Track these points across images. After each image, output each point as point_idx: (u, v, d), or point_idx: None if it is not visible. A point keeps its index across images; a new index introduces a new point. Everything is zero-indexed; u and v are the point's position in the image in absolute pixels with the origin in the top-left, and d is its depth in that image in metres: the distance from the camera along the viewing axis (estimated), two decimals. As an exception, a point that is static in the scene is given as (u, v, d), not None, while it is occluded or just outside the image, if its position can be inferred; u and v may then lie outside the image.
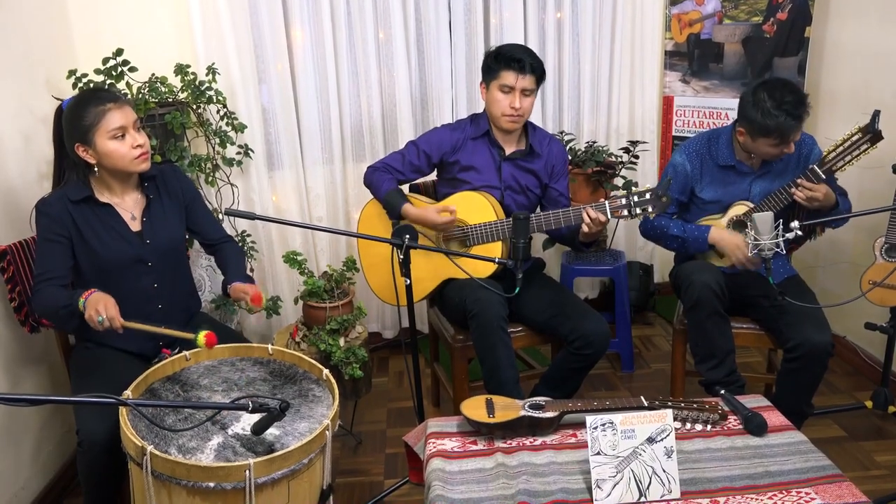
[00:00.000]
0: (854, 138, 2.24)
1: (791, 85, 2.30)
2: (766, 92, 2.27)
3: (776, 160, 2.44)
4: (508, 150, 2.57)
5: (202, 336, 1.84)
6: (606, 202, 2.28)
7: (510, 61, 2.43)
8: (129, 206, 2.12)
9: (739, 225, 2.47)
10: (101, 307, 1.83)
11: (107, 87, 2.56)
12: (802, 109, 2.26)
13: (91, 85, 2.57)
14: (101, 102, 1.96)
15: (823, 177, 2.28)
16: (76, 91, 2.56)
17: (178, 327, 2.20)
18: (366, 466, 2.66)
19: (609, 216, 2.28)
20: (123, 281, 2.08)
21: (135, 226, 2.11)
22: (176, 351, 2.03)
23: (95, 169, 2.02)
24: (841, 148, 2.26)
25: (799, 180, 2.30)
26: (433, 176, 2.74)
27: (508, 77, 2.43)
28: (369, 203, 2.67)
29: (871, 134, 2.22)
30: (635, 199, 2.24)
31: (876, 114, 2.22)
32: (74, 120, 1.96)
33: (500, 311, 2.33)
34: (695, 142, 2.57)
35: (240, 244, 2.97)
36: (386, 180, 2.55)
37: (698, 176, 2.53)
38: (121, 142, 1.98)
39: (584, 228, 2.32)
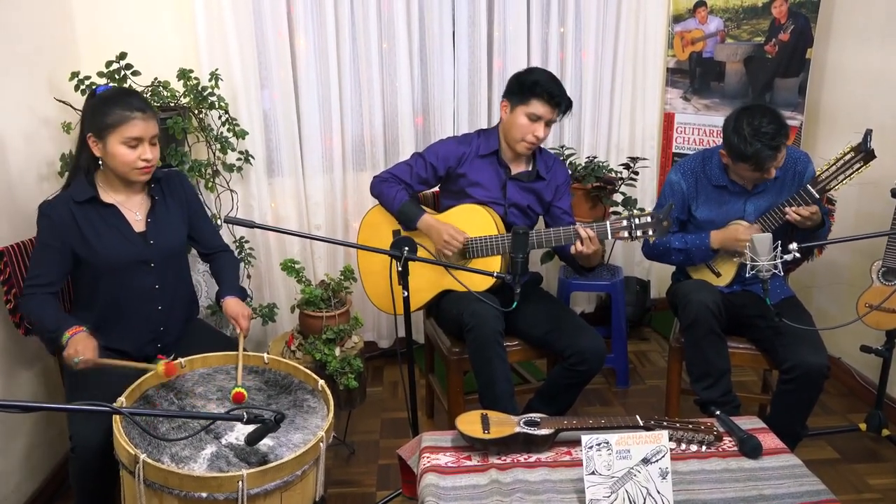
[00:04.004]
0: (847, 157, 2.26)
1: (772, 114, 2.30)
2: (746, 119, 2.29)
3: (769, 180, 2.45)
4: (514, 171, 2.58)
5: (161, 364, 1.87)
6: (608, 223, 2.28)
7: (547, 94, 2.40)
8: (134, 207, 2.12)
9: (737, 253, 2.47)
10: (80, 348, 1.87)
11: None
12: (779, 140, 2.27)
13: (93, 88, 2.57)
14: (130, 109, 1.97)
15: (817, 196, 2.30)
16: (78, 93, 2.57)
17: (176, 330, 2.21)
18: (358, 477, 2.65)
19: (610, 237, 2.28)
20: (126, 281, 2.08)
21: (139, 226, 2.11)
22: (172, 357, 2.02)
23: (100, 162, 2.04)
24: (834, 167, 2.28)
25: (793, 207, 2.31)
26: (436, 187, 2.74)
27: (540, 108, 2.41)
28: (370, 212, 2.67)
29: (864, 153, 2.24)
30: (636, 221, 2.25)
31: (868, 133, 2.24)
32: (98, 113, 1.98)
33: (497, 325, 2.33)
34: (690, 161, 2.58)
35: (237, 251, 2.97)
36: (398, 191, 2.55)
37: (694, 194, 2.54)
38: (131, 150, 1.99)
39: (578, 244, 2.32)
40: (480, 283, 2.43)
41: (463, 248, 2.48)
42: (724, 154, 2.41)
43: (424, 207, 2.58)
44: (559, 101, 2.42)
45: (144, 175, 2.05)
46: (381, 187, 2.58)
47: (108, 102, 1.99)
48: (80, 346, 1.87)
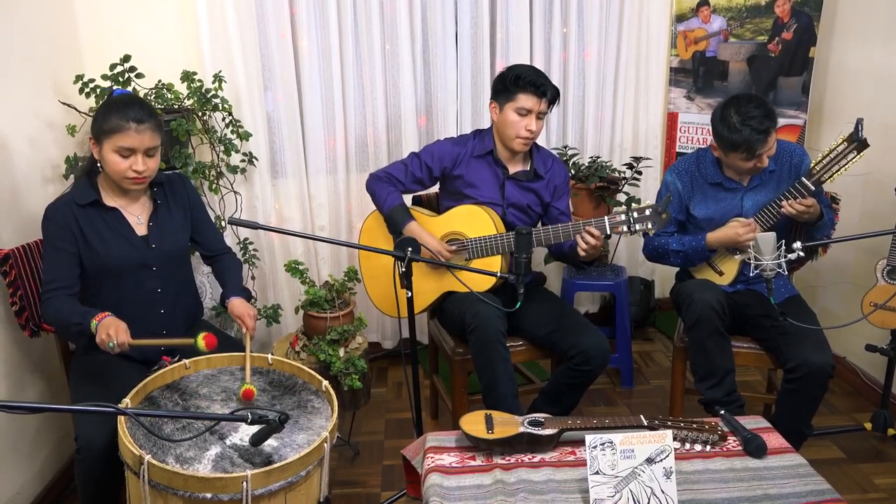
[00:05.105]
0: (840, 148, 2.26)
1: (758, 99, 2.31)
2: (733, 107, 2.30)
3: (764, 173, 2.44)
4: (512, 170, 2.57)
5: (201, 338, 1.91)
6: (606, 218, 2.29)
7: (530, 85, 2.40)
8: (137, 211, 2.13)
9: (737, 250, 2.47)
10: (112, 331, 1.86)
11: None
12: (768, 123, 2.27)
13: (97, 91, 2.58)
14: (126, 119, 1.97)
15: (813, 188, 2.30)
16: (83, 96, 2.58)
17: (179, 333, 2.22)
18: (363, 478, 2.65)
19: (609, 231, 2.28)
20: (128, 284, 2.09)
21: (141, 230, 2.12)
22: (176, 359, 2.03)
23: (99, 166, 2.05)
24: (828, 159, 2.28)
25: (789, 200, 2.31)
26: (435, 188, 2.74)
27: (527, 100, 2.41)
28: (372, 214, 2.67)
29: (857, 142, 2.23)
30: (634, 215, 2.25)
31: (859, 122, 2.23)
32: (100, 117, 2.00)
33: (499, 325, 2.32)
34: (684, 161, 2.58)
35: (241, 252, 2.98)
36: (391, 192, 2.55)
37: (690, 194, 2.54)
38: (123, 159, 2.00)
39: (582, 244, 2.32)
40: (482, 284, 2.43)
41: (462, 246, 2.48)
42: (716, 147, 2.41)
43: (416, 214, 2.57)
44: (544, 91, 2.42)
45: (136, 185, 2.06)
46: (376, 186, 2.58)
47: (109, 108, 2.00)
48: (112, 329, 1.86)
